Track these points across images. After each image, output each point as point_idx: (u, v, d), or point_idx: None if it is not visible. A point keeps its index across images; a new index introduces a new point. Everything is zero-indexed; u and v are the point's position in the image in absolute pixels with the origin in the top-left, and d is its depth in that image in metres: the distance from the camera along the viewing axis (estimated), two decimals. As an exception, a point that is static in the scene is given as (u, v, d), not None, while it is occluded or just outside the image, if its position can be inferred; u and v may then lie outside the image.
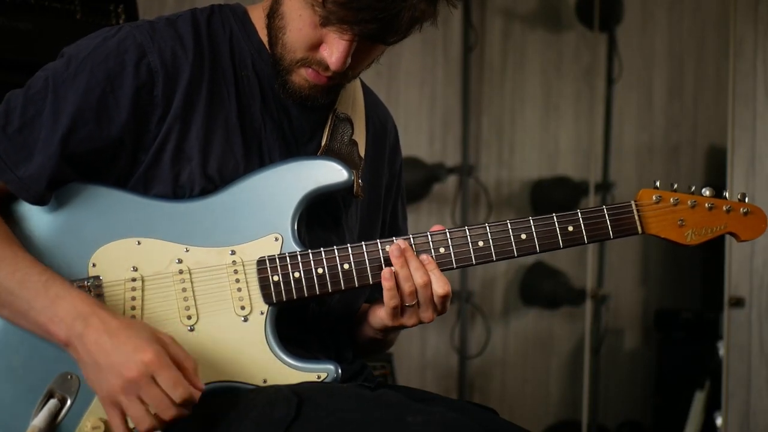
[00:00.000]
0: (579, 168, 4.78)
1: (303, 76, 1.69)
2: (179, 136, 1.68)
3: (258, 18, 1.77)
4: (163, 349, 1.51)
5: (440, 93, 4.58)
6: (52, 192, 1.65)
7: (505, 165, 4.78)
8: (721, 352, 3.89)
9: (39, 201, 1.65)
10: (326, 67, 1.66)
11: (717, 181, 4.38)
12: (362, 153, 1.85)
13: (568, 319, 4.80)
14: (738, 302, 3.69)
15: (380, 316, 1.73)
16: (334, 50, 1.63)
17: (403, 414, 1.50)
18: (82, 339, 1.52)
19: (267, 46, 1.74)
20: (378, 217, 1.93)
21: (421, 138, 4.52)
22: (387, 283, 1.67)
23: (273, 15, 1.69)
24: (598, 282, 4.66)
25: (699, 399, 4.23)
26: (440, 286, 1.67)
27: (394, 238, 1.70)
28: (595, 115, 4.74)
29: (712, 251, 3.80)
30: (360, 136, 1.85)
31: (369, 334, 1.82)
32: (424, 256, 1.68)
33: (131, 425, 1.52)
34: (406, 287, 1.67)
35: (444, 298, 1.68)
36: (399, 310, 1.69)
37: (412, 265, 1.67)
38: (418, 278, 1.67)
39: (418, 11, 1.61)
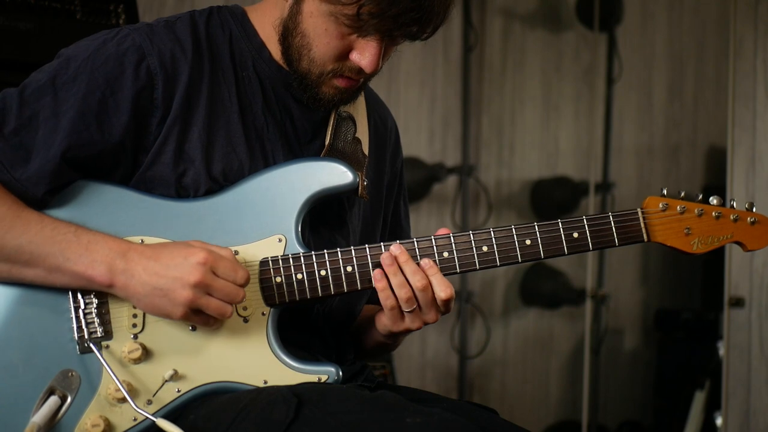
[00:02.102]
0: (579, 168, 4.78)
1: (334, 85, 1.71)
2: (179, 138, 1.68)
3: (257, 19, 1.77)
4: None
5: (440, 93, 4.58)
6: (54, 194, 1.65)
7: (505, 165, 4.77)
8: (721, 352, 3.88)
9: (36, 203, 1.64)
10: (358, 71, 1.68)
11: (717, 181, 4.38)
12: (366, 150, 1.85)
13: (568, 319, 4.79)
14: (738, 302, 3.68)
15: (383, 322, 1.73)
16: (366, 54, 1.65)
17: (402, 415, 1.50)
18: (129, 273, 1.57)
19: (268, 48, 1.75)
20: (380, 215, 1.93)
21: (421, 138, 4.51)
22: (379, 284, 1.67)
23: (290, 34, 1.69)
24: (598, 282, 4.65)
25: (699, 399, 4.22)
26: (442, 289, 1.67)
27: (395, 242, 1.69)
28: (595, 115, 4.73)
29: (713, 251, 3.78)
30: (363, 134, 1.86)
31: (378, 339, 1.82)
32: (425, 261, 1.68)
33: None
34: (402, 293, 1.66)
35: (447, 301, 1.68)
36: (398, 312, 1.69)
37: (407, 271, 1.66)
38: (416, 282, 1.66)
39: None
